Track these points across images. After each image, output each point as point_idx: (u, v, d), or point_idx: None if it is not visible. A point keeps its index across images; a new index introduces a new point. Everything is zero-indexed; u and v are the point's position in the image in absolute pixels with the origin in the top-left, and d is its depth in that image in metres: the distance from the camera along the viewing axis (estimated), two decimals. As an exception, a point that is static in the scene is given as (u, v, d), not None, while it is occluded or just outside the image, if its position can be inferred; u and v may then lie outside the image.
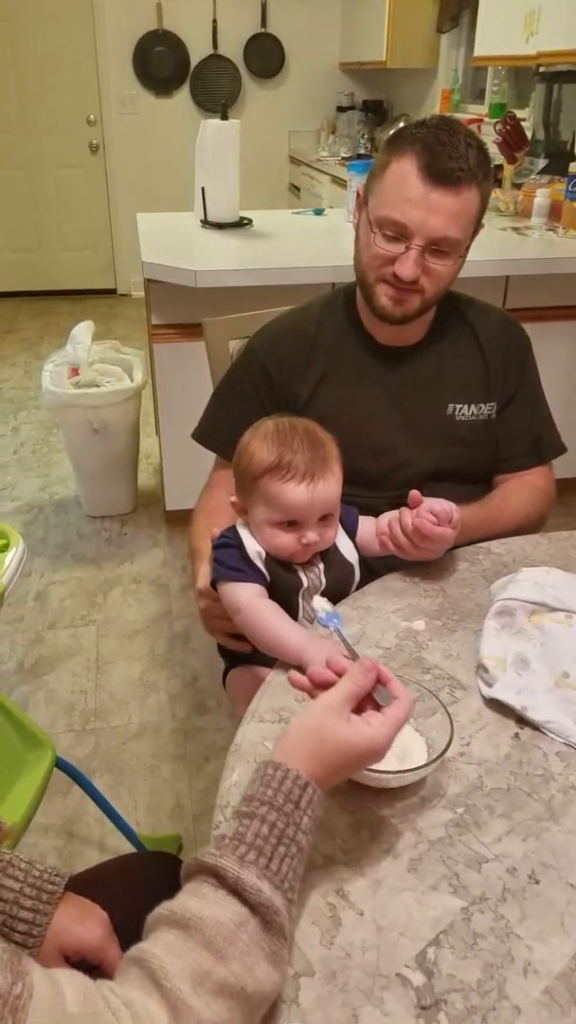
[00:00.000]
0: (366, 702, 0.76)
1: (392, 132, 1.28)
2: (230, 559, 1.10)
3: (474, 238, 1.29)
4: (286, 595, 1.09)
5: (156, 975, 0.57)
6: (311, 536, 1.06)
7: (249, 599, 1.07)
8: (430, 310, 1.34)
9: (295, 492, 1.04)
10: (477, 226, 1.28)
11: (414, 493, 1.16)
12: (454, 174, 1.18)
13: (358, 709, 0.75)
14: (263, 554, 1.09)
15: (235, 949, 0.59)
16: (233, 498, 1.14)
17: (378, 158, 1.27)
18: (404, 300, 1.28)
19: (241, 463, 1.10)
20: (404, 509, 1.16)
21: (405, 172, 1.19)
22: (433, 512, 1.13)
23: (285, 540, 1.07)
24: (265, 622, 1.04)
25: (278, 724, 0.93)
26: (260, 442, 1.08)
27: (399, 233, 1.22)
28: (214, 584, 1.14)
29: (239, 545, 1.11)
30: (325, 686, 0.76)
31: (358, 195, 1.32)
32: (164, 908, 0.62)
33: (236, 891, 0.61)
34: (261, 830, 0.65)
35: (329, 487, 1.06)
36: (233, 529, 1.13)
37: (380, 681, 0.76)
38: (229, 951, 0.59)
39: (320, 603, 1.01)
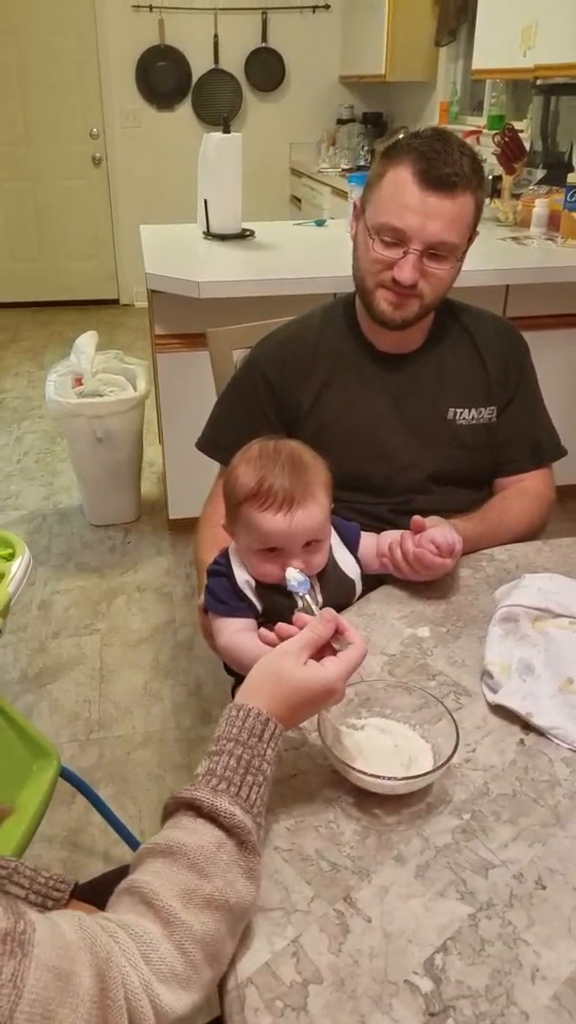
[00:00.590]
0: (328, 651, 0.83)
1: (387, 144, 1.30)
2: (219, 590, 1.10)
3: (470, 244, 1.31)
4: (283, 617, 1.08)
5: (147, 897, 0.64)
6: (295, 564, 1.03)
7: (229, 637, 1.08)
8: (428, 315, 1.35)
9: (272, 521, 1.02)
10: (473, 232, 1.29)
11: (416, 519, 1.17)
12: (450, 179, 1.20)
13: (320, 658, 0.82)
14: (252, 583, 1.09)
15: (216, 868, 0.66)
16: (223, 521, 1.13)
17: (373, 169, 1.29)
18: (403, 304, 1.29)
19: (227, 487, 1.09)
20: (406, 533, 1.17)
21: (401, 179, 1.22)
22: (435, 542, 1.13)
23: (269, 568, 1.05)
24: (241, 659, 1.05)
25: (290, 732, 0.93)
26: (245, 466, 1.06)
27: (397, 238, 1.24)
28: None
29: (229, 574, 1.10)
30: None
31: (355, 207, 1.34)
32: (148, 844, 0.69)
33: (212, 818, 0.69)
34: (230, 763, 0.73)
35: (310, 515, 1.03)
36: (226, 555, 1.13)
37: (338, 631, 0.83)
38: (211, 870, 0.66)
39: (292, 573, 1.00)
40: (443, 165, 1.19)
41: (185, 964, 0.62)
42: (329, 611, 0.85)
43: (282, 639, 0.84)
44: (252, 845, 0.69)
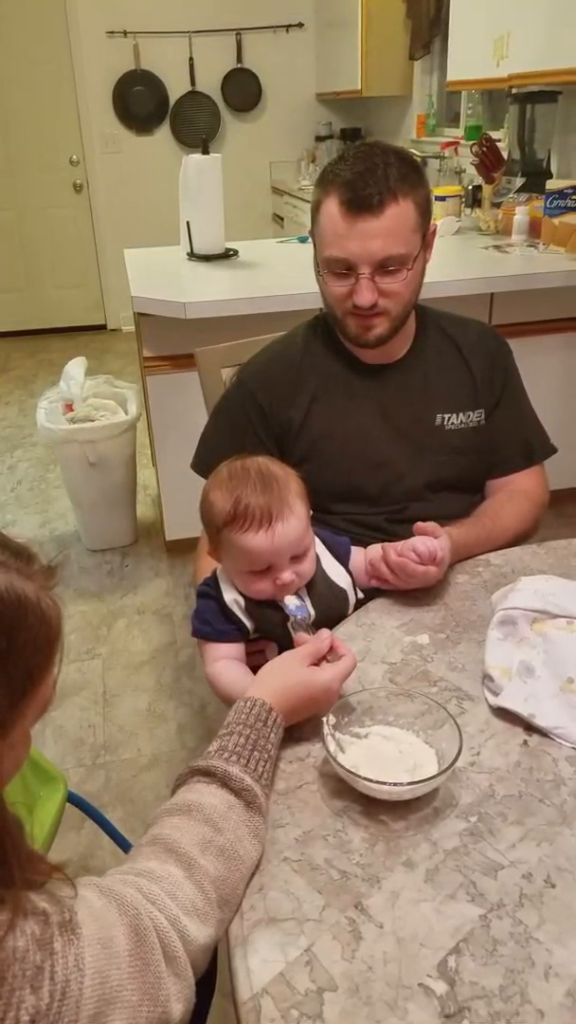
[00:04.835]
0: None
1: (320, 172, 1.32)
2: (206, 612, 1.12)
3: (428, 241, 1.32)
4: (275, 631, 1.09)
5: (170, 845, 0.73)
6: (285, 577, 1.05)
7: (210, 663, 1.10)
8: (405, 325, 1.37)
9: (256, 541, 1.03)
10: (425, 230, 1.30)
11: (418, 525, 1.18)
12: (373, 199, 1.21)
13: None
14: (241, 601, 1.10)
15: (228, 824, 0.76)
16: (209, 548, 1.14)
17: (312, 200, 1.31)
18: (372, 325, 1.32)
19: (204, 514, 1.10)
20: (388, 545, 1.18)
21: (332, 211, 1.25)
22: (416, 551, 1.14)
23: (261, 586, 1.07)
24: (224, 690, 1.07)
25: (294, 745, 0.94)
26: (217, 491, 1.08)
27: (345, 267, 1.27)
28: None
29: (217, 596, 1.11)
30: None
31: (311, 237, 1.36)
32: (164, 806, 0.79)
33: (224, 782, 0.79)
34: (239, 741, 0.84)
35: (290, 527, 1.04)
36: (214, 576, 1.14)
37: (332, 648, 0.96)
38: (224, 825, 0.76)
39: (290, 599, 1.06)
40: (364, 186, 1.21)
41: (204, 901, 0.71)
42: (325, 631, 0.99)
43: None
44: (259, 807, 0.79)
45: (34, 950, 0.59)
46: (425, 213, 1.29)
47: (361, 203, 1.22)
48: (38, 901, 0.62)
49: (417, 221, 1.27)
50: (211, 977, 0.94)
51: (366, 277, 1.26)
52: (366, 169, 1.22)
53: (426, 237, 1.31)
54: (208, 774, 0.80)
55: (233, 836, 0.75)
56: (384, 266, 1.26)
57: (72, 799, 1.46)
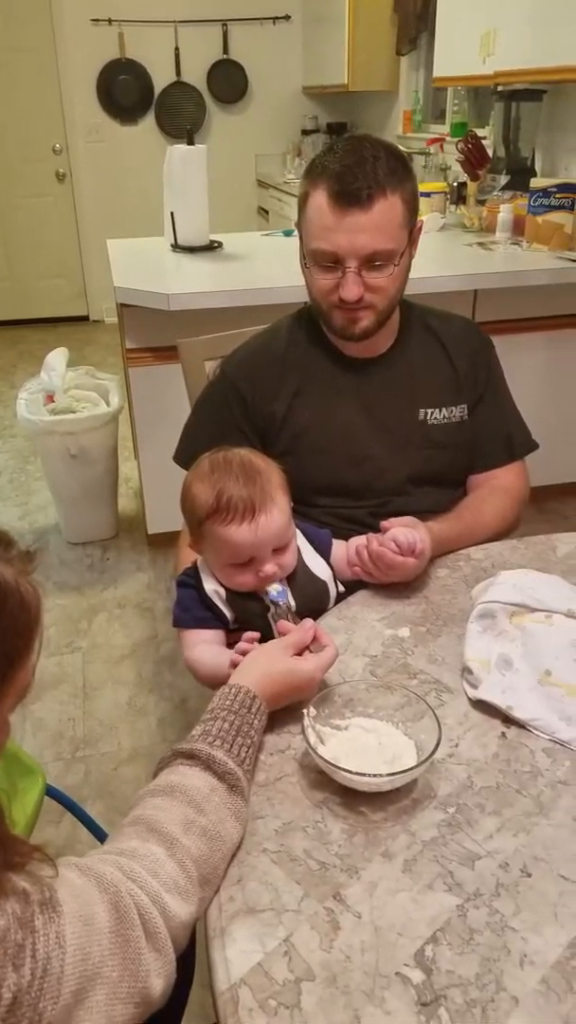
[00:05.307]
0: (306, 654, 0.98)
1: (308, 164, 1.31)
2: (187, 601, 1.12)
3: (415, 237, 1.32)
4: (256, 623, 1.09)
5: (152, 824, 0.74)
6: (268, 569, 1.06)
7: (189, 649, 1.11)
8: (390, 319, 1.37)
9: (239, 533, 1.04)
10: (412, 226, 1.30)
11: (384, 522, 1.19)
12: (362, 192, 1.21)
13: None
14: (222, 592, 1.10)
15: (210, 805, 0.77)
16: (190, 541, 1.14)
17: (299, 191, 1.30)
18: (358, 319, 1.31)
19: (186, 506, 1.10)
20: (370, 536, 1.18)
21: (320, 203, 1.24)
22: (396, 542, 1.15)
23: (244, 578, 1.07)
24: (201, 671, 1.09)
25: (274, 736, 0.94)
26: (199, 483, 1.08)
27: (331, 260, 1.26)
28: None
29: (198, 586, 1.12)
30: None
31: (298, 228, 1.35)
32: (147, 787, 0.80)
33: (207, 765, 0.80)
34: (223, 726, 0.85)
35: (273, 519, 1.05)
36: (195, 566, 1.14)
37: (315, 638, 0.97)
38: (206, 807, 0.77)
39: (272, 586, 1.07)
40: (353, 180, 1.20)
41: (186, 879, 0.72)
42: (308, 621, 1.00)
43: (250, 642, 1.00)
44: (240, 790, 0.80)
45: (15, 928, 0.59)
46: (413, 209, 1.29)
47: (350, 196, 1.21)
48: (18, 881, 0.63)
49: (405, 216, 1.26)
50: (189, 968, 0.94)
51: (353, 271, 1.25)
52: (355, 162, 1.21)
53: (412, 233, 1.31)
54: (192, 757, 0.81)
55: (215, 817, 0.76)
56: (371, 261, 1.25)
57: (50, 792, 1.46)
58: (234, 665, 0.96)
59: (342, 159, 1.22)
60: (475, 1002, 0.65)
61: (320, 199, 1.24)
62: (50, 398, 2.95)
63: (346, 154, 1.23)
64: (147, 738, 2.14)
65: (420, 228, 1.33)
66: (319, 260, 1.28)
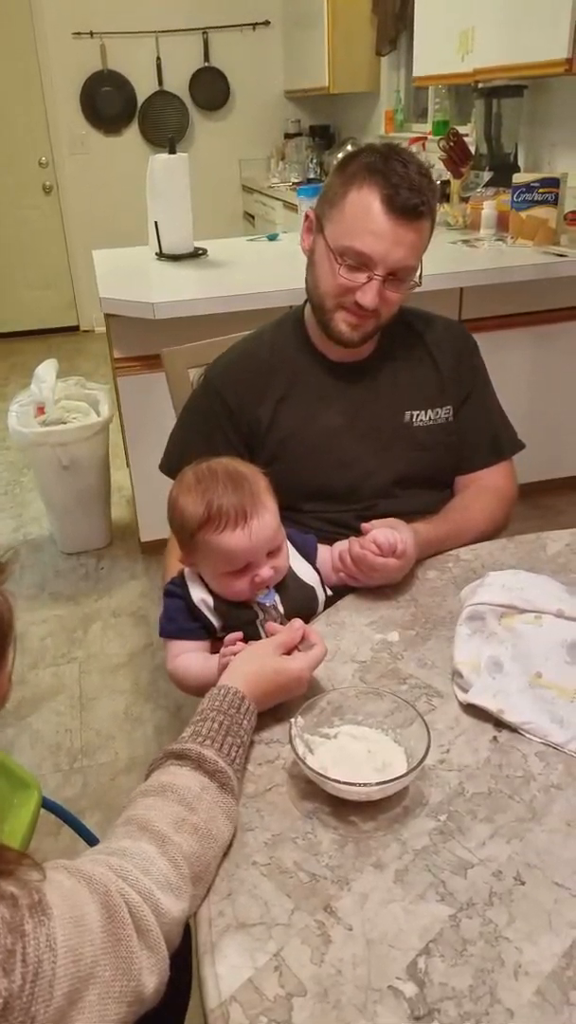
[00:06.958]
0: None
1: (343, 157, 1.30)
2: (172, 611, 1.12)
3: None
4: (246, 629, 1.08)
5: (143, 823, 0.74)
6: (264, 573, 1.05)
7: (172, 660, 1.12)
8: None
9: (234, 539, 1.03)
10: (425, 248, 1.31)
11: (364, 525, 1.18)
12: (417, 208, 1.21)
13: None
14: (209, 601, 1.09)
15: (202, 804, 0.77)
16: (180, 556, 1.13)
17: (333, 185, 1.27)
18: (361, 325, 1.31)
19: (175, 521, 1.09)
20: (352, 539, 1.17)
21: (368, 204, 1.21)
22: (377, 543, 1.14)
23: (240, 586, 1.06)
24: (185, 679, 1.10)
25: (263, 747, 0.93)
26: (186, 496, 1.07)
27: (361, 263, 1.24)
28: None
29: (185, 595, 1.11)
30: None
31: (308, 218, 1.34)
32: (139, 788, 0.80)
33: (198, 765, 0.80)
34: (213, 726, 0.85)
35: (265, 522, 1.05)
36: (183, 575, 1.13)
37: (303, 638, 0.98)
38: (198, 805, 0.77)
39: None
40: (409, 193, 1.20)
41: (178, 876, 0.72)
42: (297, 621, 0.99)
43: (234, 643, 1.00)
44: (231, 789, 0.80)
45: (4, 933, 0.59)
46: (432, 232, 1.30)
47: (403, 209, 1.20)
48: (6, 886, 0.62)
49: (428, 240, 1.28)
50: (189, 969, 0.93)
51: (379, 279, 1.25)
52: (407, 175, 1.20)
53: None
54: (182, 757, 0.81)
55: (207, 815, 0.77)
56: (395, 274, 1.25)
57: (47, 804, 1.45)
58: (223, 668, 0.96)
59: (394, 167, 1.20)
60: (469, 1015, 0.64)
61: (369, 199, 1.21)
62: (41, 410, 2.94)
63: (396, 163, 1.21)
64: (144, 747, 2.12)
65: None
66: (349, 258, 1.25)
